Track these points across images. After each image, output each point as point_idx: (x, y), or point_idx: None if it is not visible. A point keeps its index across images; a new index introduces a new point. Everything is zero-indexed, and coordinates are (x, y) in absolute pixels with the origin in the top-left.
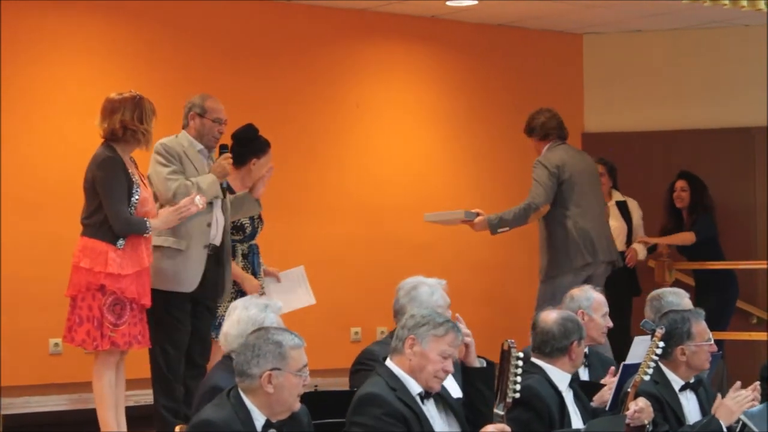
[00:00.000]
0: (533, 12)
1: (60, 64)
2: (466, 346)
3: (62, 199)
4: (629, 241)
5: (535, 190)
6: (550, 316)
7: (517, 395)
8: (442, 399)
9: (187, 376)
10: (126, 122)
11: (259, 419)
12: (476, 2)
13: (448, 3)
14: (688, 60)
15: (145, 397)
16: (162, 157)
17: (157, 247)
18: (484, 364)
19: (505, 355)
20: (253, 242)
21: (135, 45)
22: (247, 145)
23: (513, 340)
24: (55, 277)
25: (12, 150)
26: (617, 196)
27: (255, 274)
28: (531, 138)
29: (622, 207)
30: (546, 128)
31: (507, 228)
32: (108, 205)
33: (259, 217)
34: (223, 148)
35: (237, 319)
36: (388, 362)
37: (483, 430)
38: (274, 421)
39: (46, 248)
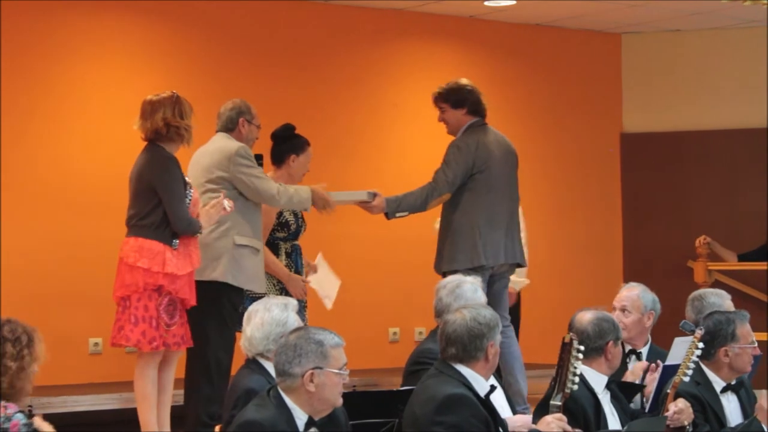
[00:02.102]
0: (571, 12)
1: (101, 66)
2: None
3: (100, 200)
4: None
5: (442, 176)
6: (586, 317)
7: (576, 387)
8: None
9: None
10: (168, 119)
11: (301, 418)
12: (514, 2)
13: (486, 3)
14: (728, 59)
15: (176, 396)
16: (248, 160)
17: (240, 246)
18: None
19: (566, 347)
20: (296, 242)
21: (174, 48)
22: (285, 143)
23: (574, 334)
24: (95, 277)
25: (53, 151)
26: None
27: (298, 273)
28: (453, 109)
29: None
30: (476, 103)
31: (406, 213)
32: (170, 205)
33: (302, 218)
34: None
35: (261, 321)
36: (460, 367)
37: (542, 419)
38: (316, 419)
39: (86, 248)
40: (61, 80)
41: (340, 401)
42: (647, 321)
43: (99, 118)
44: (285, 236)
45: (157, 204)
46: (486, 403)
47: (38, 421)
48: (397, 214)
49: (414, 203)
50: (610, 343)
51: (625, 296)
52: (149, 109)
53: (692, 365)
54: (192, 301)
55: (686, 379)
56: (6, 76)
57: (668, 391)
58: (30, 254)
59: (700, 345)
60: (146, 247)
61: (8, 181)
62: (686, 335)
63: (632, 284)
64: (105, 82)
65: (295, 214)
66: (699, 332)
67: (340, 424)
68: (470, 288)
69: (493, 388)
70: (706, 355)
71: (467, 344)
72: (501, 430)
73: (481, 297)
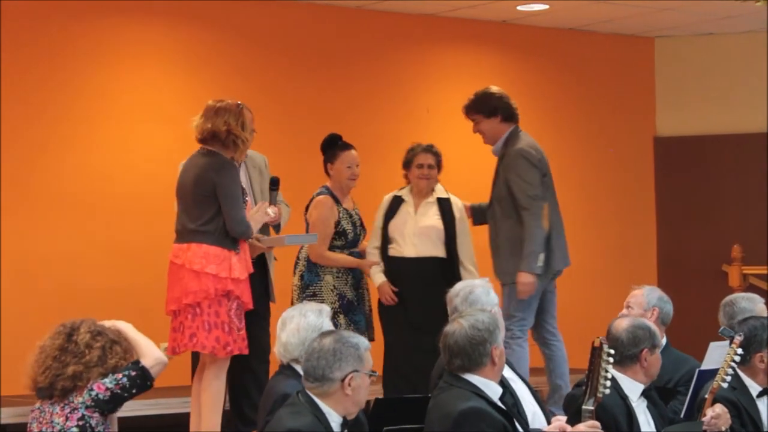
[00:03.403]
0: (604, 16)
1: (131, 70)
2: None
3: (131, 206)
4: (448, 241)
5: (527, 197)
6: (622, 324)
7: (608, 391)
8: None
9: (248, 380)
10: (231, 127)
11: (335, 420)
12: (547, 6)
13: (518, 7)
14: (762, 62)
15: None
16: None
17: None
18: None
19: (597, 351)
20: (355, 249)
21: (206, 52)
22: (323, 155)
23: (604, 337)
24: (128, 283)
25: (81, 156)
26: (440, 192)
27: (357, 282)
28: (487, 118)
29: (445, 204)
30: (508, 108)
31: (542, 254)
32: (232, 209)
33: (362, 225)
34: (273, 182)
35: (296, 327)
36: (469, 376)
37: (575, 427)
38: (348, 420)
39: (116, 254)
40: (90, 84)
41: (364, 403)
42: (650, 318)
43: (128, 122)
44: (342, 244)
45: (219, 209)
46: (500, 407)
47: (108, 322)
48: (539, 264)
49: (539, 241)
50: (645, 350)
51: (632, 294)
52: (213, 110)
53: (730, 371)
54: (250, 305)
55: (725, 384)
56: (34, 81)
57: (706, 396)
58: (58, 260)
59: (739, 351)
60: (212, 253)
61: (35, 186)
62: (724, 340)
63: (644, 285)
64: (135, 86)
65: (353, 223)
66: (738, 338)
67: (363, 426)
68: (483, 291)
69: (505, 390)
70: (742, 361)
71: (471, 353)
72: (521, 429)
73: (495, 298)
